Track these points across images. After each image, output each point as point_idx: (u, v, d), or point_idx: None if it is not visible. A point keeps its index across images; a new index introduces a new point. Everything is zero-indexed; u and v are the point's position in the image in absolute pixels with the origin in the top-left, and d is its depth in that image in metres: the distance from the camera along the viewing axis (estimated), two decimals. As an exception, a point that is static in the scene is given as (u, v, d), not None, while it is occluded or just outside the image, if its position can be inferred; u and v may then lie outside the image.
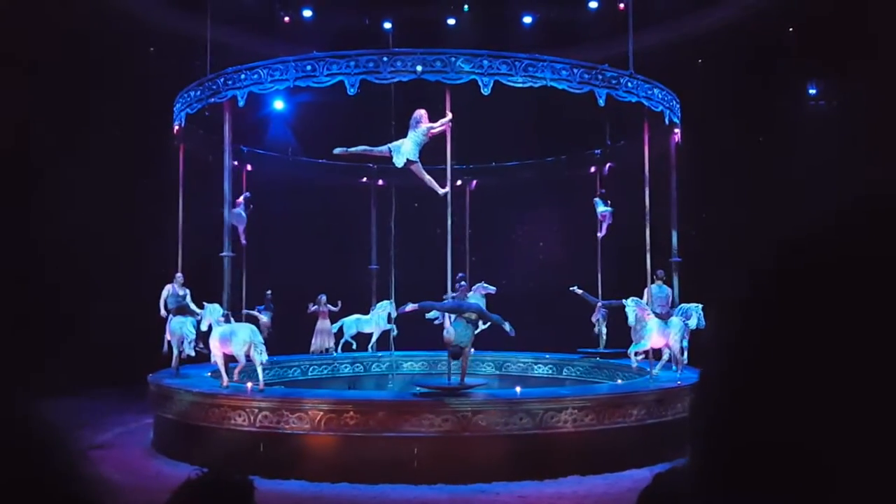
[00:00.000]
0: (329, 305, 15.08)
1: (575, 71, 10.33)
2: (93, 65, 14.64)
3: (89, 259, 13.89)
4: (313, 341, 14.90)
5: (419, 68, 9.82)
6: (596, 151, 15.34)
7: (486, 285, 14.57)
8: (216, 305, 10.53)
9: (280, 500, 7.74)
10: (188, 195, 12.80)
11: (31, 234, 12.91)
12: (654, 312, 11.77)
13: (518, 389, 10.46)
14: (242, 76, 10.68)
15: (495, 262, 18.49)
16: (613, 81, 10.59)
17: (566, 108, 11.52)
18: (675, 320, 11.66)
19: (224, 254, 11.11)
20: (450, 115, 10.24)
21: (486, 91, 9.90)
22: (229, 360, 10.29)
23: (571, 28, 17.02)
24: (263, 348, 9.98)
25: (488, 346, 15.20)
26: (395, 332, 14.88)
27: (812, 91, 17.33)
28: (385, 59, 9.94)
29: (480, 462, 8.78)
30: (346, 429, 8.86)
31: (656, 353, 11.72)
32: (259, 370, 9.88)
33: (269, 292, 14.98)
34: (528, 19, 17.69)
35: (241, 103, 10.74)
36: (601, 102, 10.46)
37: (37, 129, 13.30)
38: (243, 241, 14.65)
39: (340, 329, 15.02)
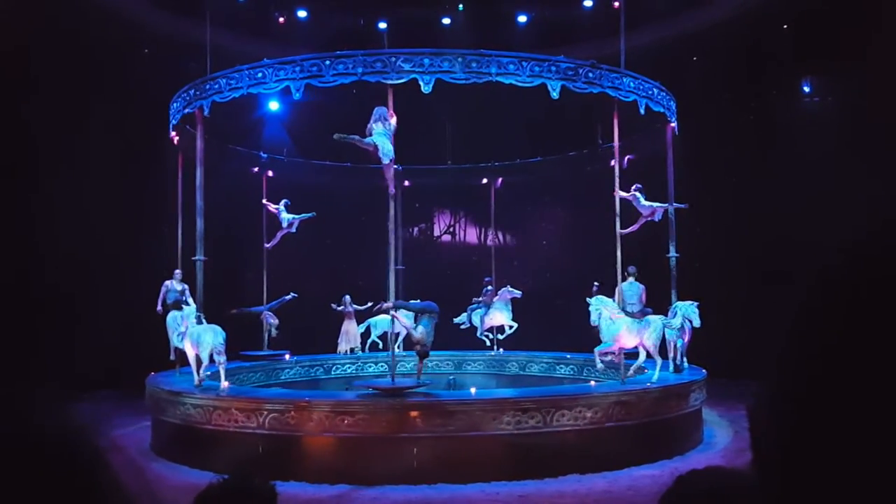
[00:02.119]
0: (354, 305, 15.07)
1: (524, 64, 10.06)
2: (88, 66, 14.61)
3: (87, 261, 13.86)
4: (339, 342, 14.93)
5: (360, 70, 9.85)
6: (613, 144, 15.05)
7: (511, 289, 14.60)
8: (192, 307, 10.91)
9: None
10: (188, 196, 12.83)
11: (28, 236, 12.88)
12: (625, 311, 11.36)
13: (473, 391, 10.57)
14: (206, 86, 10.91)
15: (514, 260, 18.53)
16: (570, 73, 10.27)
17: (580, 105, 11.28)
18: (651, 318, 11.22)
19: (196, 258, 11.34)
20: (394, 119, 10.35)
21: (426, 89, 9.82)
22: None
23: (566, 27, 17.03)
24: (223, 349, 10.25)
25: (512, 346, 15.20)
26: None
27: (806, 88, 17.41)
28: (327, 62, 9.96)
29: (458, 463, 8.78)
30: (287, 428, 9.04)
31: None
32: (221, 371, 10.24)
33: (287, 296, 14.94)
34: (522, 18, 17.70)
35: (206, 112, 11.02)
36: (554, 95, 10.15)
37: (33, 131, 13.26)
38: (267, 245, 14.82)
39: (368, 329, 15.01)
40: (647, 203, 12.83)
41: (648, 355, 11.10)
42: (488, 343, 15.32)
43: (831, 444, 0.59)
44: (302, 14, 17.39)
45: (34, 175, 13.11)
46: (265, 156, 15.43)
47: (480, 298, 15.16)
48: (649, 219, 12.76)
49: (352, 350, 14.97)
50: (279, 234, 14.76)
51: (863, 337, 0.60)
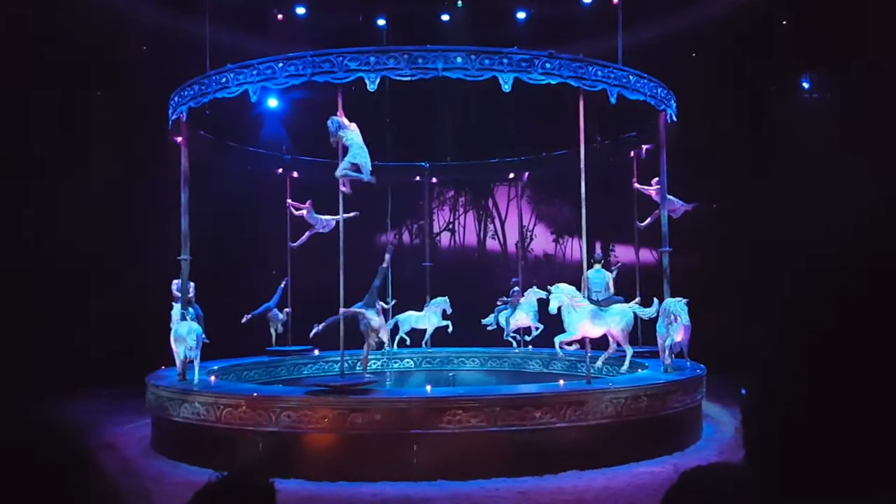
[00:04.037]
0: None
1: (472, 57, 9.95)
2: (86, 64, 14.60)
3: (86, 259, 13.88)
4: (368, 339, 15.03)
5: (309, 71, 9.92)
6: (631, 133, 14.49)
7: (537, 290, 14.62)
8: (177, 306, 11.36)
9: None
10: (194, 194, 12.92)
11: (29, 231, 12.90)
12: (590, 299, 11.03)
13: (428, 388, 10.67)
14: (185, 92, 11.20)
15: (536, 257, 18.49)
16: (524, 64, 10.06)
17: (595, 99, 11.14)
18: (618, 307, 10.90)
19: (181, 257, 11.62)
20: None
21: (372, 87, 9.84)
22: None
23: (566, 23, 17.01)
24: (194, 345, 10.66)
25: (540, 343, 15.22)
26: (450, 329, 14.99)
27: (806, 84, 17.40)
28: (280, 64, 10.10)
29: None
30: (239, 422, 9.36)
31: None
32: (195, 366, 10.69)
33: (282, 283, 15.03)
34: (521, 14, 17.68)
35: (183, 118, 11.40)
36: (506, 88, 9.98)
37: (30, 129, 13.25)
38: (293, 244, 14.86)
39: (396, 325, 15.11)
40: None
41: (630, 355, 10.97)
42: (515, 344, 15.27)
43: (821, 438, 0.59)
44: (300, 11, 17.36)
45: (37, 171, 13.12)
46: (288, 157, 15.49)
47: (507, 299, 15.14)
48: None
49: (378, 346, 15.11)
50: (308, 234, 14.76)
51: (851, 332, 0.60)
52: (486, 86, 10.35)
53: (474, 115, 16.00)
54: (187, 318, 11.14)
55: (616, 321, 10.79)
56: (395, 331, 15.12)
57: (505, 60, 10.03)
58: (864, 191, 0.67)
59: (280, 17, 17.60)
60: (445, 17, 17.90)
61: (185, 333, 10.72)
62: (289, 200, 15.08)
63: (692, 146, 13.79)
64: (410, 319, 15.21)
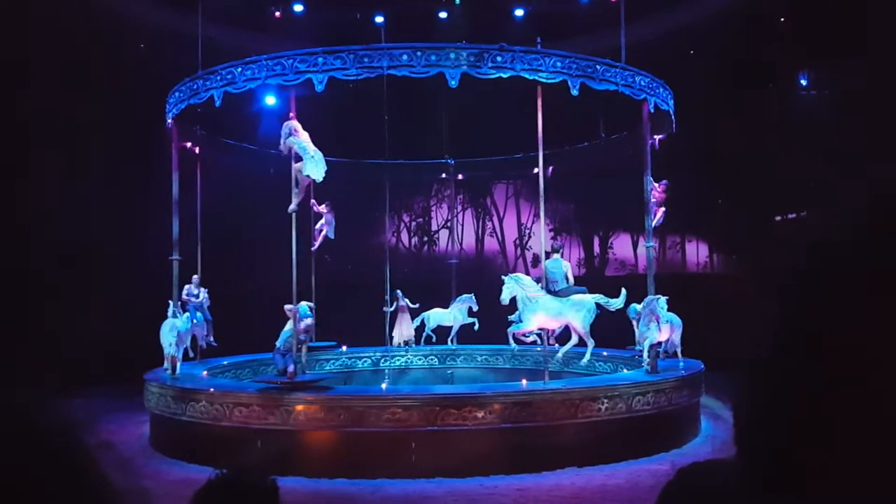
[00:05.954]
0: (407, 301, 15.17)
1: (418, 54, 9.91)
2: (84, 62, 14.58)
3: (84, 257, 13.86)
4: (394, 335, 15.07)
5: (264, 74, 10.05)
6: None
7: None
8: (171, 304, 11.58)
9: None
10: (186, 192, 12.92)
11: (25, 232, 12.88)
12: (548, 290, 10.72)
13: (384, 386, 10.73)
14: (170, 100, 11.68)
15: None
16: (472, 59, 9.96)
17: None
18: (579, 298, 10.57)
19: (173, 258, 11.82)
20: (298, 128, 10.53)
21: (319, 88, 9.89)
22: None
23: (564, 21, 17.01)
24: (174, 341, 11.02)
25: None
26: (476, 327, 14.99)
27: (803, 81, 17.43)
28: (239, 69, 10.32)
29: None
30: (203, 416, 9.62)
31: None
32: (178, 363, 11.10)
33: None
34: (519, 12, 17.67)
35: (170, 126, 11.92)
36: (453, 84, 9.90)
37: (27, 127, 13.21)
38: (315, 247, 14.84)
39: (422, 322, 15.18)
40: (658, 206, 12.56)
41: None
42: (539, 343, 15.23)
43: (816, 434, 0.59)
44: (298, 8, 17.35)
45: (37, 170, 13.11)
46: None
47: None
48: (658, 220, 12.46)
49: (405, 343, 15.10)
50: (317, 233, 14.68)
51: (849, 330, 0.60)
52: (489, 83, 10.31)
53: (478, 114, 15.93)
54: (178, 316, 11.29)
55: (575, 312, 10.45)
56: (421, 328, 15.19)
57: (452, 55, 9.93)
58: (862, 187, 0.67)
59: (277, 14, 17.59)
60: (443, 15, 17.90)
61: (166, 332, 11.01)
62: (312, 201, 15.02)
63: (690, 142, 13.78)
64: (436, 317, 15.23)
